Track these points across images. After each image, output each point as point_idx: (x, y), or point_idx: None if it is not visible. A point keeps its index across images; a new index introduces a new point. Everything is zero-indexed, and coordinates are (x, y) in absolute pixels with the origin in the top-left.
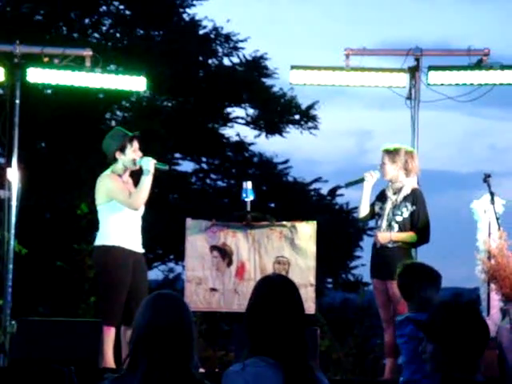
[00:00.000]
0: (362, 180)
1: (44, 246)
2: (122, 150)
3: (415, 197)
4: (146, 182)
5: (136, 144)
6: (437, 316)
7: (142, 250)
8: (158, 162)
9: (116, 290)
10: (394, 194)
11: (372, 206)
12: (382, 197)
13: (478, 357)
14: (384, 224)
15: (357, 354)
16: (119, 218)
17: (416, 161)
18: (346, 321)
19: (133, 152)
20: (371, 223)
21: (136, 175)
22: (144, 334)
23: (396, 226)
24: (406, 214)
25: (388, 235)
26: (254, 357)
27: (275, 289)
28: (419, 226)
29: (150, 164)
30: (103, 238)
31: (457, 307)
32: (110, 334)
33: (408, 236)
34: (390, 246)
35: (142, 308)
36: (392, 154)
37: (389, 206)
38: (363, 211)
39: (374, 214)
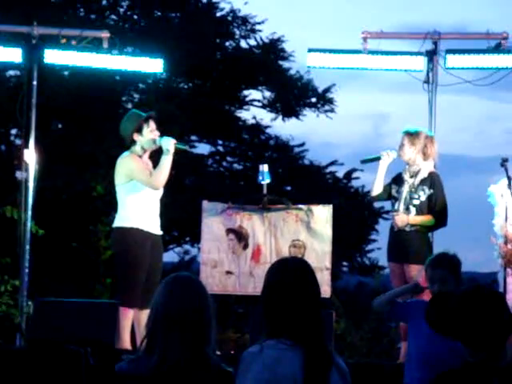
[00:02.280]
0: (378, 158)
1: (60, 228)
2: (139, 131)
3: (432, 180)
4: (167, 161)
5: (152, 124)
6: (457, 310)
7: (160, 232)
8: (178, 142)
9: (134, 271)
10: (411, 177)
11: (388, 187)
12: (398, 180)
13: (502, 343)
14: (401, 207)
15: (372, 337)
16: (138, 199)
17: (435, 146)
18: (362, 304)
19: (150, 132)
20: (387, 206)
21: (154, 157)
22: (161, 316)
23: (413, 210)
24: (424, 198)
25: (406, 218)
26: (271, 339)
27: (292, 270)
28: (437, 209)
29: (170, 143)
30: (122, 220)
31: (476, 295)
32: (127, 315)
33: (426, 219)
34: (407, 229)
35: (159, 290)
36: (412, 136)
37: (406, 189)
38: (376, 190)
39: (389, 196)
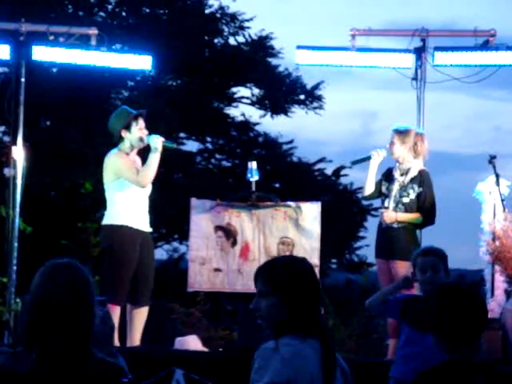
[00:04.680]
0: (368, 158)
1: (48, 225)
2: (128, 128)
3: (422, 178)
4: (154, 159)
5: (142, 122)
6: (431, 304)
7: (149, 229)
8: (166, 140)
9: (122, 269)
10: (402, 175)
11: (379, 184)
12: (388, 177)
13: (476, 338)
14: (391, 205)
15: (360, 334)
16: (127, 196)
17: (425, 143)
18: (350, 301)
19: (138, 130)
20: (376, 203)
21: (143, 154)
22: (39, 308)
23: (402, 208)
24: (413, 196)
25: (394, 215)
26: (285, 336)
27: (307, 269)
28: (425, 207)
29: (157, 142)
30: (111, 218)
31: (452, 290)
32: (115, 312)
33: (414, 217)
34: (395, 226)
35: (36, 279)
36: (402, 134)
37: (396, 187)
38: (368, 189)
39: (380, 193)
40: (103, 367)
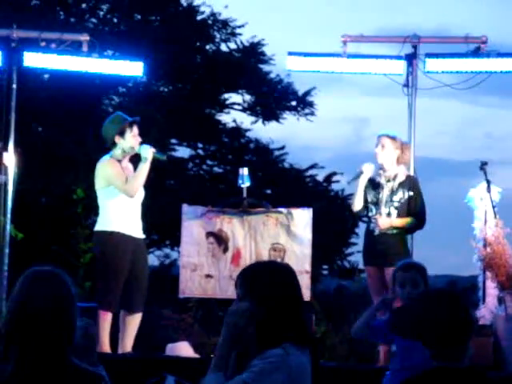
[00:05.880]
0: (361, 173)
1: (40, 231)
2: (122, 134)
3: (411, 183)
4: (143, 169)
5: (136, 129)
6: (415, 310)
7: (142, 236)
8: (157, 152)
9: (114, 275)
10: (388, 181)
11: (364, 195)
12: (373, 185)
13: (461, 344)
14: (383, 210)
15: (351, 340)
16: (119, 203)
17: (408, 153)
18: (341, 307)
19: (132, 137)
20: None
21: (136, 161)
22: (17, 317)
23: (395, 212)
24: (404, 200)
25: (389, 221)
26: (279, 346)
27: (290, 274)
28: (417, 211)
29: (148, 152)
30: (103, 224)
31: (434, 297)
32: (106, 319)
33: (407, 222)
34: (388, 232)
35: (16, 288)
36: (393, 140)
37: (385, 192)
38: (359, 204)
39: (367, 204)
40: (83, 376)
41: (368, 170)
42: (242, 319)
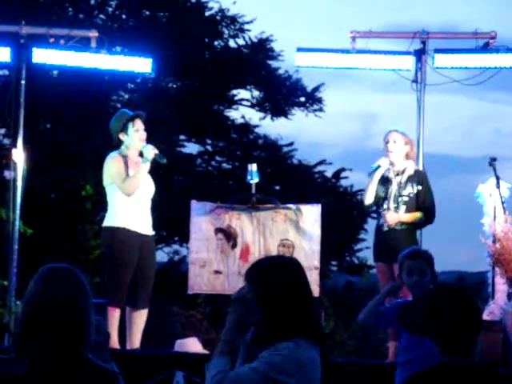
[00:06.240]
0: (379, 167)
1: (49, 227)
2: (125, 130)
3: (420, 177)
4: (142, 169)
5: (139, 123)
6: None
7: (151, 233)
8: (159, 155)
9: (121, 271)
10: (397, 175)
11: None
12: (382, 180)
13: (469, 340)
14: (392, 205)
15: (360, 336)
16: (126, 199)
17: (415, 149)
18: (350, 303)
19: (135, 132)
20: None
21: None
22: (34, 314)
23: (403, 207)
24: (412, 194)
25: (397, 216)
26: (290, 340)
27: (298, 268)
28: (426, 205)
29: (150, 152)
30: (110, 219)
31: (444, 293)
32: (114, 314)
33: (416, 216)
34: (397, 228)
35: (31, 285)
36: (403, 135)
37: (394, 187)
38: (370, 197)
39: (377, 199)
40: (99, 373)
41: (385, 165)
42: (245, 305)
